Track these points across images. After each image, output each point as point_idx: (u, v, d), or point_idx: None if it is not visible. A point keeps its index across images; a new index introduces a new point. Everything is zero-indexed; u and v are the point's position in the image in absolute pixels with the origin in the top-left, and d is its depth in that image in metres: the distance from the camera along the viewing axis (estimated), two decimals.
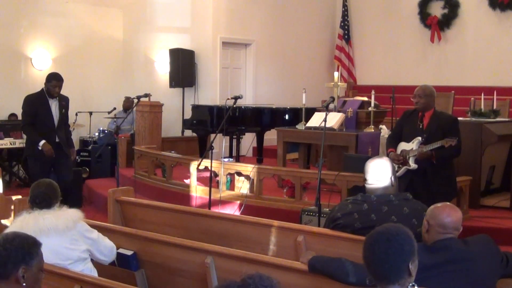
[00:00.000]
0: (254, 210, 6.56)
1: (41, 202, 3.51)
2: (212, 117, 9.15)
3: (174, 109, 11.08)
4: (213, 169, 6.35)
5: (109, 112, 10.75)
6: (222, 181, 7.14)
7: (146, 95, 7.13)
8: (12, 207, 4.85)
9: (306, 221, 5.09)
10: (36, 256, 2.34)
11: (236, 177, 7.07)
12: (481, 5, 11.24)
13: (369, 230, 2.27)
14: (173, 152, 8.69)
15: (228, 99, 6.77)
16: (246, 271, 1.84)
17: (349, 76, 12.92)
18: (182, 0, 11.40)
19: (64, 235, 3.43)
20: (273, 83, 11.97)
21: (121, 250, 3.96)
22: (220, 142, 9.63)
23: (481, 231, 3.76)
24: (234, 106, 6.74)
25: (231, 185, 7.25)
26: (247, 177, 6.90)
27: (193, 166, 7.29)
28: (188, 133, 10.71)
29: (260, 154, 9.19)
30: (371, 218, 3.52)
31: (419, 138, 5.18)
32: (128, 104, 10.47)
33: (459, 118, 5.76)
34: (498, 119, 7.11)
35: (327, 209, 4.86)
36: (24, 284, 2.27)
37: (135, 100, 6.98)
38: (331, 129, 7.16)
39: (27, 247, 2.32)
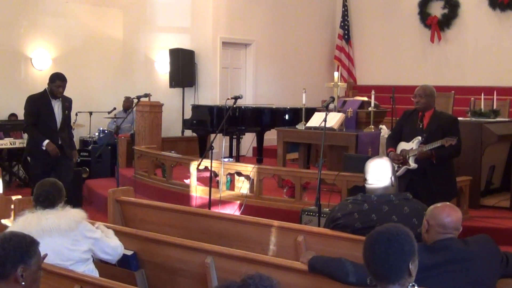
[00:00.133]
0: (254, 210, 6.56)
1: (45, 200, 3.50)
2: (212, 117, 9.15)
3: (174, 109, 11.09)
4: (213, 169, 6.35)
5: (109, 112, 10.76)
6: (222, 181, 7.14)
7: (146, 95, 7.13)
8: (12, 207, 4.85)
9: (306, 221, 5.09)
10: (35, 255, 2.34)
11: (236, 177, 7.07)
12: (481, 5, 11.24)
13: (370, 230, 2.27)
14: (173, 152, 8.69)
15: (228, 99, 6.77)
16: (246, 271, 1.84)
17: (349, 76, 12.92)
18: (182, 0, 11.40)
19: (66, 236, 3.43)
20: (273, 83, 11.97)
21: None
22: (220, 142, 9.63)
23: (481, 231, 3.75)
24: (234, 106, 6.74)
25: (231, 185, 7.25)
26: (247, 177, 6.90)
27: (193, 166, 7.29)
28: (188, 133, 10.71)
29: (260, 154, 9.19)
30: (372, 218, 3.52)
31: (419, 137, 5.18)
32: (128, 104, 10.47)
33: (459, 118, 5.76)
34: (498, 119, 7.11)
35: (327, 209, 4.86)
36: (23, 283, 2.27)
37: (135, 100, 6.97)
38: (331, 129, 7.16)
39: (25, 247, 2.32)
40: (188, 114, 10.05)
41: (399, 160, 5.19)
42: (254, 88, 11.71)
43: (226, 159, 8.55)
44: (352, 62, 13.05)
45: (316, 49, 12.84)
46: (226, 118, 6.52)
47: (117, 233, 3.90)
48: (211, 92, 11.06)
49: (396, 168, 5.15)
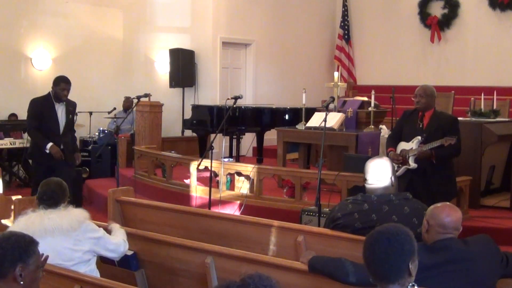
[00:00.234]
0: (254, 210, 6.56)
1: (49, 199, 3.50)
2: (212, 117, 9.15)
3: (174, 109, 11.09)
4: (213, 169, 6.35)
5: (109, 112, 10.76)
6: (222, 181, 7.14)
7: (146, 95, 7.13)
8: (12, 207, 4.85)
9: (306, 221, 5.09)
10: (33, 254, 2.34)
11: (236, 177, 7.07)
12: (481, 5, 11.24)
13: (370, 230, 2.28)
14: (173, 152, 8.69)
15: (228, 99, 6.77)
16: (246, 271, 1.84)
17: (349, 76, 12.92)
18: (182, 0, 11.40)
19: (69, 236, 3.42)
20: (273, 83, 11.97)
21: None
22: (220, 142, 9.63)
23: (481, 231, 3.76)
24: (234, 106, 6.74)
25: (231, 185, 7.25)
26: (247, 177, 6.90)
27: (193, 166, 7.29)
28: (188, 133, 10.71)
29: (260, 154, 9.19)
30: (372, 218, 3.52)
31: (419, 137, 5.18)
32: (128, 104, 10.47)
33: (459, 118, 5.76)
34: (498, 119, 7.11)
35: (327, 209, 4.86)
36: (21, 282, 2.27)
37: (135, 100, 6.97)
38: (331, 129, 7.16)
39: (24, 246, 2.32)
40: (188, 114, 10.05)
41: (398, 160, 5.19)
42: (254, 88, 11.71)
43: (226, 159, 8.54)
44: (352, 62, 13.05)
45: (316, 49, 12.84)
46: (226, 118, 6.52)
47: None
48: (211, 92, 11.06)
49: (396, 168, 5.16)
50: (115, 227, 3.91)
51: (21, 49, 10.87)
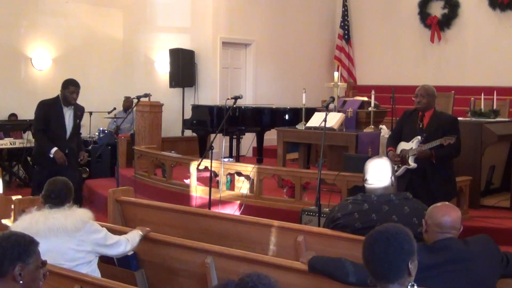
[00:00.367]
0: (254, 210, 6.56)
1: (56, 198, 3.50)
2: (212, 117, 9.15)
3: (174, 109, 11.09)
4: (213, 169, 6.34)
5: (109, 112, 10.76)
6: (222, 181, 7.14)
7: (146, 95, 7.12)
8: (12, 207, 4.85)
9: (306, 221, 5.08)
10: (33, 254, 2.33)
11: (236, 177, 7.07)
12: (481, 5, 11.24)
13: (370, 230, 2.28)
14: (173, 152, 8.69)
15: (228, 99, 6.77)
16: (245, 271, 1.84)
17: (349, 76, 12.92)
18: (182, 0, 11.40)
19: (72, 236, 3.43)
20: (273, 83, 11.97)
21: None
22: (220, 142, 9.63)
23: (481, 231, 3.76)
24: (234, 106, 6.74)
25: (231, 185, 7.25)
26: (247, 177, 6.90)
27: (193, 166, 7.29)
28: (188, 133, 10.71)
29: (260, 154, 9.19)
30: (372, 217, 3.52)
31: (419, 137, 5.19)
32: (128, 104, 10.47)
33: (459, 118, 5.76)
34: (498, 119, 7.11)
35: (327, 209, 4.86)
36: (21, 282, 2.27)
37: (135, 100, 6.97)
38: (331, 129, 7.16)
39: (23, 245, 2.32)
40: (188, 114, 10.05)
41: (396, 161, 5.19)
42: (254, 88, 11.71)
43: (226, 159, 8.55)
44: (352, 62, 13.05)
45: (316, 49, 12.84)
46: (226, 118, 6.52)
47: (117, 233, 3.90)
48: (211, 92, 11.06)
49: (395, 168, 5.16)
50: (135, 230, 3.91)
51: (21, 49, 10.87)
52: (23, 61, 10.92)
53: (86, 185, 8.98)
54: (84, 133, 10.89)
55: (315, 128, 7.50)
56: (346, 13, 12.92)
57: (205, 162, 6.51)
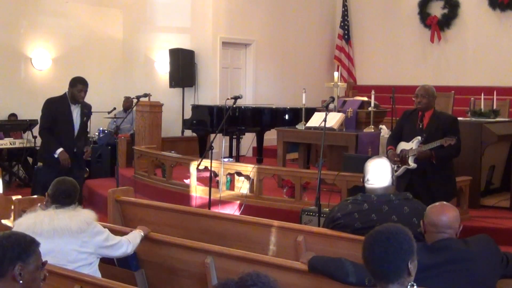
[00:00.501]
0: (254, 210, 6.56)
1: (66, 198, 3.50)
2: (212, 117, 9.15)
3: (174, 109, 11.09)
4: (213, 169, 6.35)
5: (109, 112, 10.75)
6: (222, 181, 7.14)
7: (146, 95, 7.13)
8: (12, 207, 4.85)
9: (306, 221, 5.09)
10: (34, 254, 2.33)
11: (236, 177, 7.07)
12: (481, 5, 11.24)
13: (369, 230, 2.28)
14: (173, 152, 8.69)
15: (228, 99, 6.77)
16: (245, 271, 1.85)
17: (349, 76, 12.93)
18: (182, 0, 11.40)
19: (76, 237, 3.42)
20: (273, 83, 11.97)
21: None
22: (220, 142, 9.63)
23: (481, 231, 3.75)
24: (234, 106, 6.74)
25: (231, 185, 7.25)
26: (247, 177, 6.90)
27: (193, 166, 7.28)
28: (188, 133, 10.71)
29: (260, 154, 9.19)
30: (372, 217, 3.52)
31: (419, 137, 5.19)
32: (128, 104, 10.47)
33: (459, 118, 5.77)
34: (498, 119, 7.11)
35: (327, 209, 4.86)
36: (21, 281, 2.27)
37: (135, 100, 6.96)
38: (331, 129, 7.16)
39: (23, 245, 2.31)
40: (188, 114, 10.05)
41: (396, 160, 5.19)
42: (254, 88, 11.71)
43: (226, 159, 8.55)
44: (352, 62, 13.05)
45: (316, 49, 12.84)
46: (226, 118, 6.52)
47: (117, 233, 3.90)
48: (211, 92, 11.06)
49: (395, 168, 5.17)
50: (136, 230, 3.91)
51: (21, 49, 10.87)
52: (23, 61, 10.93)
53: (86, 185, 8.97)
54: None
55: (315, 128, 7.50)
56: (346, 13, 12.92)
57: (205, 162, 6.51)
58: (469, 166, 6.45)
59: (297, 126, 7.95)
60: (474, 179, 6.43)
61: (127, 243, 3.69)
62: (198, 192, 7.31)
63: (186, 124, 10.04)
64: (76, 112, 6.17)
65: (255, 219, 4.45)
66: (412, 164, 5.18)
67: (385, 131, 7.52)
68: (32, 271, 2.31)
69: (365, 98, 8.27)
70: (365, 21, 12.91)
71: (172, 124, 11.10)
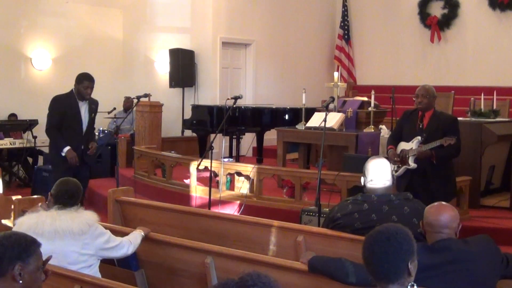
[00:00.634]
0: (254, 210, 6.56)
1: (69, 198, 3.50)
2: (212, 117, 9.15)
3: (174, 109, 11.09)
4: (213, 169, 6.35)
5: (109, 112, 10.74)
6: (222, 181, 7.14)
7: (146, 95, 7.12)
8: (12, 207, 4.85)
9: (306, 221, 5.09)
10: (34, 254, 2.33)
11: (236, 177, 7.07)
12: (481, 5, 11.24)
13: (369, 230, 2.28)
14: (173, 152, 8.69)
15: (228, 99, 6.77)
16: (245, 271, 1.85)
17: (349, 76, 12.92)
18: (182, 0, 11.40)
19: (77, 239, 3.42)
20: (273, 83, 11.97)
21: None
22: (220, 142, 9.63)
23: (481, 231, 3.76)
24: (234, 106, 6.74)
25: (231, 185, 7.25)
26: (247, 177, 6.90)
27: (193, 166, 7.28)
28: (188, 133, 10.71)
29: (260, 154, 9.19)
30: (372, 218, 3.51)
31: (419, 137, 5.19)
32: (128, 104, 10.48)
33: (459, 118, 5.77)
34: (498, 119, 7.11)
35: (327, 209, 4.86)
36: (20, 281, 2.26)
37: (135, 100, 6.96)
38: (331, 129, 7.16)
39: (24, 245, 2.31)
40: (188, 114, 10.05)
41: (396, 160, 5.19)
42: (254, 88, 11.71)
43: (226, 159, 8.55)
44: (352, 62, 13.04)
45: (316, 49, 12.84)
46: (226, 118, 6.52)
47: (117, 233, 3.90)
48: (211, 92, 11.06)
49: (395, 168, 5.17)
50: (136, 230, 3.91)
51: (21, 49, 10.87)
52: (23, 61, 10.93)
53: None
54: None
55: (315, 128, 7.50)
56: (346, 13, 12.92)
57: (205, 162, 6.51)
58: (469, 166, 6.45)
59: (297, 126, 7.95)
60: (474, 179, 6.43)
61: (128, 244, 3.69)
62: (198, 192, 7.31)
63: (186, 124, 10.04)
64: (84, 108, 6.10)
65: (255, 219, 4.45)
66: (412, 164, 5.17)
67: (385, 131, 7.52)
68: (32, 272, 2.31)
69: (365, 98, 8.28)
70: (365, 21, 12.90)
71: (172, 124, 11.10)
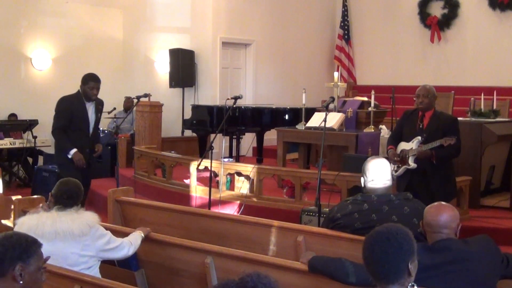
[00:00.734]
0: (254, 210, 6.56)
1: (68, 198, 3.49)
2: (212, 117, 9.15)
3: (174, 109, 11.09)
4: (213, 169, 6.35)
5: (109, 112, 10.74)
6: (222, 181, 7.14)
7: (146, 95, 7.12)
8: (12, 207, 4.85)
9: (306, 221, 5.09)
10: (35, 254, 2.32)
11: (236, 177, 7.07)
12: (481, 5, 11.24)
13: (369, 230, 2.28)
14: (173, 152, 8.69)
15: (228, 99, 6.77)
16: (245, 271, 1.85)
17: (349, 76, 12.92)
18: (182, 0, 11.40)
19: (78, 241, 3.42)
20: (273, 83, 11.97)
21: None
22: (220, 142, 9.63)
23: (481, 231, 3.76)
24: (234, 106, 6.74)
25: (231, 185, 7.25)
26: (247, 177, 6.90)
27: (193, 166, 7.28)
28: (188, 133, 10.71)
29: (260, 154, 9.19)
30: (372, 218, 3.51)
31: (419, 137, 5.19)
32: (129, 104, 10.48)
33: (459, 118, 5.76)
34: (498, 119, 7.11)
35: (327, 209, 4.86)
36: (21, 282, 2.26)
37: (135, 100, 6.96)
38: (331, 129, 7.16)
39: (25, 245, 2.31)
40: (188, 114, 10.05)
41: (396, 160, 5.19)
42: (254, 88, 11.71)
43: (226, 159, 8.55)
44: (352, 62, 13.04)
45: (316, 49, 12.84)
46: (226, 118, 6.52)
47: (117, 233, 3.90)
48: (211, 92, 11.06)
49: (395, 168, 5.17)
50: (136, 231, 3.90)
51: (21, 49, 10.87)
52: (23, 61, 10.93)
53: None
54: None
55: (315, 128, 7.50)
56: (346, 13, 12.92)
57: (205, 162, 6.51)
58: (469, 166, 6.45)
59: (297, 126, 7.95)
60: (474, 179, 6.43)
61: (129, 245, 3.69)
62: (198, 192, 7.32)
63: (186, 124, 10.04)
64: (91, 109, 6.04)
65: (255, 219, 4.45)
66: (412, 164, 5.17)
67: (385, 131, 7.52)
68: (33, 272, 2.31)
69: (365, 98, 8.28)
70: (365, 21, 12.90)
71: (172, 124, 11.10)
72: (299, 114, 8.47)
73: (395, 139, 5.45)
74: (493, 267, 2.88)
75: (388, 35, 12.52)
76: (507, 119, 7.60)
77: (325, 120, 5.23)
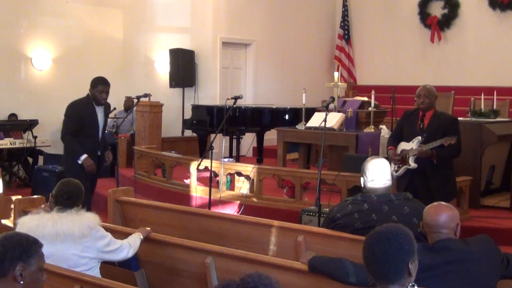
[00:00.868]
0: (254, 210, 6.56)
1: (68, 199, 3.49)
2: (212, 117, 9.15)
3: (174, 109, 11.09)
4: (213, 169, 6.34)
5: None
6: (222, 181, 7.14)
7: (146, 95, 7.11)
8: (12, 207, 4.85)
9: (306, 221, 5.08)
10: (35, 255, 2.32)
11: (236, 177, 7.07)
12: (481, 5, 11.24)
13: (369, 230, 2.28)
14: (173, 152, 8.69)
15: (228, 99, 6.77)
16: (245, 271, 1.85)
17: (349, 76, 12.92)
18: (182, 0, 11.40)
19: (78, 242, 3.42)
20: (273, 83, 11.97)
21: None
22: (220, 142, 9.63)
23: (481, 231, 3.75)
24: (234, 106, 6.74)
25: (231, 185, 7.25)
26: (247, 177, 6.90)
27: (193, 166, 7.28)
28: (188, 133, 10.71)
29: (260, 154, 9.19)
30: (372, 218, 3.51)
31: (419, 137, 5.19)
32: (129, 104, 10.47)
33: (459, 118, 5.77)
34: (498, 119, 7.11)
35: (327, 209, 4.86)
36: (21, 282, 2.26)
37: (135, 100, 6.95)
38: (331, 129, 7.16)
39: (25, 245, 2.31)
40: (188, 114, 10.05)
41: (397, 160, 5.19)
42: (254, 88, 11.71)
43: (226, 159, 8.54)
44: (352, 62, 13.04)
45: (316, 49, 12.84)
46: (226, 118, 6.52)
47: (117, 233, 3.90)
48: (211, 92, 11.06)
49: (396, 168, 5.17)
50: (135, 233, 3.90)
51: (21, 49, 10.87)
52: (23, 61, 10.92)
53: None
54: None
55: (315, 128, 7.50)
56: (346, 13, 12.92)
57: (205, 162, 6.51)
58: (469, 166, 6.45)
59: (297, 126, 7.95)
60: (474, 179, 6.43)
61: (128, 247, 3.68)
62: (198, 192, 7.32)
63: (186, 124, 10.04)
64: (100, 114, 5.96)
65: (255, 219, 4.45)
66: (412, 164, 5.17)
67: (385, 131, 7.52)
68: (34, 272, 2.30)
69: (365, 98, 8.28)
70: (365, 21, 12.90)
71: (172, 124, 11.10)
72: (299, 114, 8.47)
73: (395, 139, 5.45)
74: (493, 267, 2.87)
75: (388, 35, 12.52)
76: (507, 119, 7.60)
77: (325, 120, 5.23)
